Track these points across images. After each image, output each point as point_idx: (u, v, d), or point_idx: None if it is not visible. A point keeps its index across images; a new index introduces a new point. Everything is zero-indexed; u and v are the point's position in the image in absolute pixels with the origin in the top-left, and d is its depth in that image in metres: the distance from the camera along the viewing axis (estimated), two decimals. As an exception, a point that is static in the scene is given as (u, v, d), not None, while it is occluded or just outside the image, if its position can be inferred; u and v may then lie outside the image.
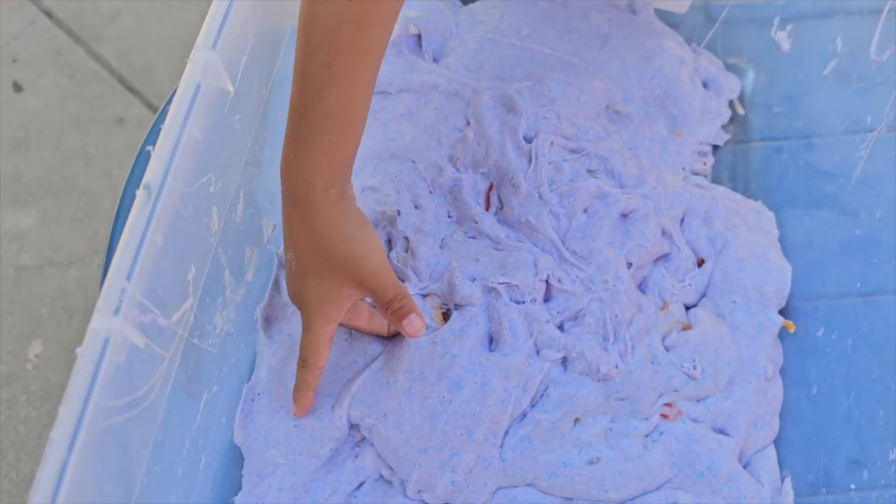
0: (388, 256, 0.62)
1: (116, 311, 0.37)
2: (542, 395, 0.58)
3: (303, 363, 0.54)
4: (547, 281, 0.60)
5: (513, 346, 0.58)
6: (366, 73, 0.49)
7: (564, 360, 0.59)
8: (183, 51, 1.13)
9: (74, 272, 1.06)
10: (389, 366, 0.58)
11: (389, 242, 0.62)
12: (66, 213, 1.07)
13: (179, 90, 0.42)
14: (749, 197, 0.70)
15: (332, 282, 0.52)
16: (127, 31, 1.17)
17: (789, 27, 0.70)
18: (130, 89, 1.13)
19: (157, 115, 0.71)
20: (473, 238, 0.64)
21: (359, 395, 0.57)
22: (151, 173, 0.39)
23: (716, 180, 0.72)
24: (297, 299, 0.53)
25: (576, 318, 0.61)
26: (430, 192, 0.64)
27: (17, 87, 1.08)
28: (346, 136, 0.50)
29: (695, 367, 0.60)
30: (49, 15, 1.17)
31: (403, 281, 0.60)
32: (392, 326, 0.57)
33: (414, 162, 0.64)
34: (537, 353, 0.59)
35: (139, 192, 0.39)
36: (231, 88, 0.45)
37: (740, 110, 0.74)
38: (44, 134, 1.09)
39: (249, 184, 0.51)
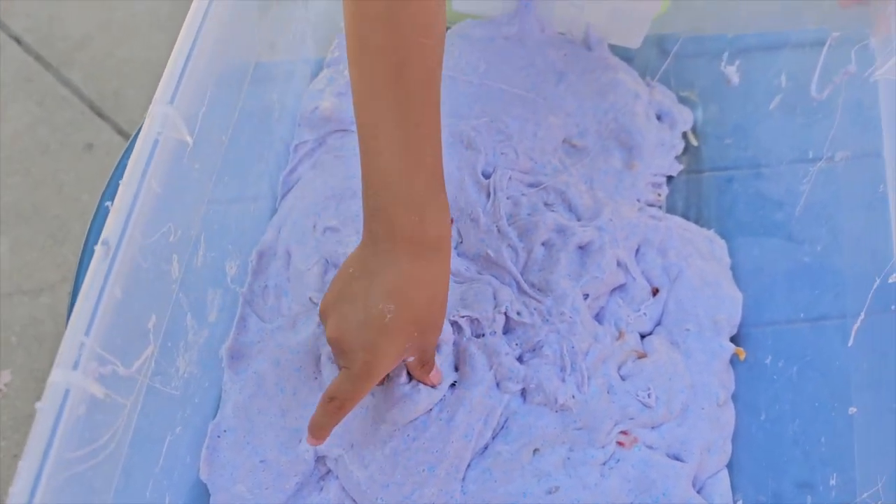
0: None
1: (75, 366, 0.38)
2: (503, 427, 0.60)
3: (342, 405, 0.52)
4: (506, 314, 0.62)
5: (473, 380, 0.59)
6: (440, 122, 0.52)
7: (524, 392, 0.61)
8: (153, 76, 1.11)
9: (45, 300, 1.06)
10: (362, 402, 0.59)
11: (351, 281, 0.63)
12: (36, 241, 1.07)
13: (138, 144, 0.43)
14: (702, 225, 0.73)
15: (415, 338, 0.52)
16: (97, 56, 1.18)
17: (737, 62, 0.72)
18: (100, 115, 1.13)
19: (127, 145, 0.72)
20: (434, 272, 0.65)
21: None
22: (110, 229, 0.41)
23: (670, 209, 0.74)
24: (369, 348, 0.50)
25: (534, 350, 0.63)
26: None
27: (-15, 114, 1.09)
28: (444, 187, 0.51)
29: (649, 395, 0.61)
30: (18, 41, 1.18)
31: None
32: (415, 376, 0.58)
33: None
34: (497, 385, 0.61)
35: (98, 248, 0.40)
36: (189, 139, 0.46)
37: (693, 141, 0.76)
38: (13, 160, 1.09)
39: (210, 227, 0.52)
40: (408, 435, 0.58)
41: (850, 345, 0.51)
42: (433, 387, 0.58)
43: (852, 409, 0.50)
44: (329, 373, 0.60)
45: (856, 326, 0.50)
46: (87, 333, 0.39)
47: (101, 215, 0.67)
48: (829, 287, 0.57)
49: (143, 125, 0.44)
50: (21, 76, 1.16)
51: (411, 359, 0.55)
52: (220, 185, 0.53)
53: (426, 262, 0.51)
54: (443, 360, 0.60)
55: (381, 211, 0.49)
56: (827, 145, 0.60)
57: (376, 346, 0.50)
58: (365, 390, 0.52)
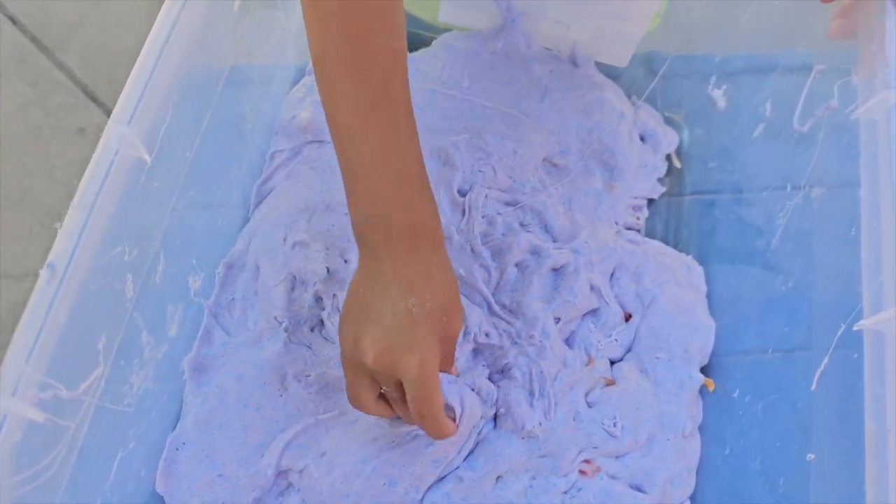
0: (320, 317, 0.63)
1: (14, 393, 0.38)
2: (471, 453, 0.59)
3: (430, 411, 0.50)
4: (474, 338, 0.62)
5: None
6: (413, 120, 0.52)
7: (496, 417, 0.60)
8: None
9: (30, 285, 1.04)
10: (346, 416, 0.59)
11: (320, 300, 0.63)
12: (24, 225, 1.06)
13: (91, 165, 0.42)
14: (681, 249, 0.72)
15: (444, 324, 0.51)
16: (93, 40, 1.16)
17: (724, 86, 0.71)
18: (94, 100, 1.12)
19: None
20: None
21: (295, 441, 0.58)
22: (56, 252, 0.40)
23: (650, 231, 0.73)
24: (413, 347, 0.49)
25: (502, 372, 0.62)
26: (362, 244, 0.65)
27: (-23, 95, 1.08)
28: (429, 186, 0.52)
29: (615, 425, 0.61)
30: (13, 21, 1.16)
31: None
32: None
33: (346, 214, 0.65)
34: None
35: (42, 272, 0.39)
36: (148, 158, 0.45)
37: (677, 164, 0.75)
38: (4, 143, 1.08)
39: (171, 243, 0.51)
40: (380, 447, 0.58)
41: (812, 389, 0.50)
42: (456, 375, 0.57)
43: (810, 456, 0.49)
44: (296, 391, 0.60)
45: (819, 371, 0.50)
46: (27, 360, 0.38)
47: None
48: (800, 322, 0.56)
49: (100, 143, 0.43)
50: (15, 57, 1.14)
51: None
52: (184, 198, 0.52)
53: (429, 252, 0.51)
54: None
55: (373, 217, 0.49)
56: (805, 178, 0.59)
57: (419, 342, 0.49)
58: (435, 386, 0.50)
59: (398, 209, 0.49)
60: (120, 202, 0.43)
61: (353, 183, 0.49)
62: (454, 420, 0.55)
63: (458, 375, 0.59)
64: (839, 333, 0.48)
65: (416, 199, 0.50)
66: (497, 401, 0.60)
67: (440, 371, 0.53)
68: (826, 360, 0.49)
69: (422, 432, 0.57)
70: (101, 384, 0.45)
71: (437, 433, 0.52)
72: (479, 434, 0.59)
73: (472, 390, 0.59)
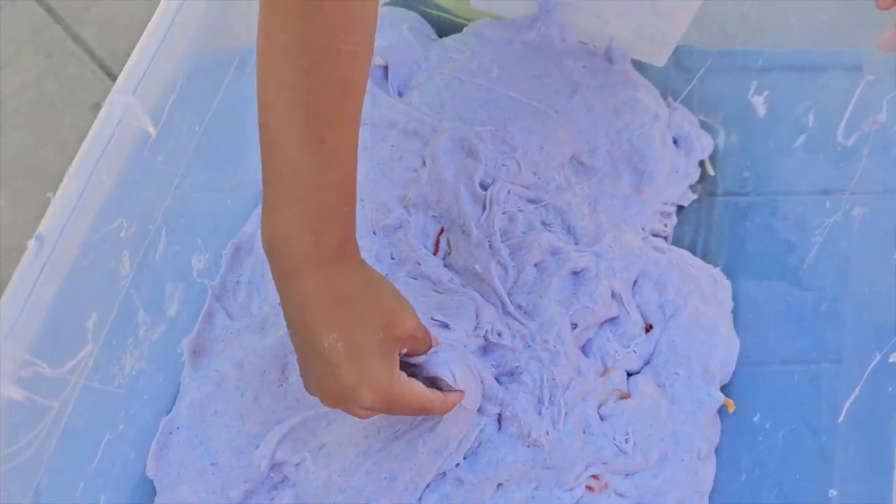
0: None
1: (-9, 368, 0.36)
2: (473, 453, 0.57)
3: (428, 411, 0.49)
4: (485, 336, 0.59)
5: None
6: (355, 137, 0.46)
7: (499, 418, 0.58)
8: None
9: None
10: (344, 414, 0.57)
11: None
12: (35, 197, 1.05)
13: (90, 134, 0.40)
14: (709, 261, 0.69)
15: (388, 329, 0.47)
16: (111, 14, 1.13)
17: (766, 92, 0.68)
18: (110, 74, 1.10)
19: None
20: (415, 279, 0.62)
21: (292, 434, 0.56)
22: (47, 223, 0.38)
23: (677, 239, 0.70)
24: (359, 382, 0.45)
25: (512, 375, 0.59)
26: (374, 233, 0.63)
27: (-6, 64, 1.06)
28: (354, 204, 0.45)
29: (627, 441, 0.58)
30: None
31: None
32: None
33: (362, 200, 0.63)
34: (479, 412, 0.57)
35: (30, 243, 0.37)
36: (153, 130, 0.43)
37: (710, 171, 0.72)
38: (18, 114, 1.07)
39: (174, 220, 0.49)
40: (383, 438, 0.56)
41: (840, 421, 0.47)
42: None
43: (833, 492, 0.46)
44: (296, 381, 0.58)
45: (848, 403, 0.47)
46: (7, 335, 0.36)
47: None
48: (830, 348, 0.53)
49: (101, 113, 0.41)
50: (31, 28, 1.12)
51: (404, 350, 0.50)
52: (191, 176, 0.50)
53: (335, 269, 0.45)
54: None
55: (287, 240, 0.43)
56: (846, 195, 0.55)
57: (357, 375, 0.45)
58: (402, 394, 0.47)
59: (305, 229, 0.43)
60: (120, 175, 0.41)
61: (268, 194, 0.43)
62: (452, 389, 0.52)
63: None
64: (873, 364, 0.45)
65: (327, 219, 0.44)
66: (502, 401, 0.57)
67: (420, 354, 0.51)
68: (857, 392, 0.46)
69: (422, 420, 0.55)
70: (90, 363, 0.43)
71: (441, 412, 0.49)
72: (480, 432, 0.57)
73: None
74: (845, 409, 0.47)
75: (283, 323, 0.58)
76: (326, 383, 0.45)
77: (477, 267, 0.62)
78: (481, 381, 0.57)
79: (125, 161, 0.42)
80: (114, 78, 1.09)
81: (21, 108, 1.07)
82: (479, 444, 0.57)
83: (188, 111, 0.47)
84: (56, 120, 1.07)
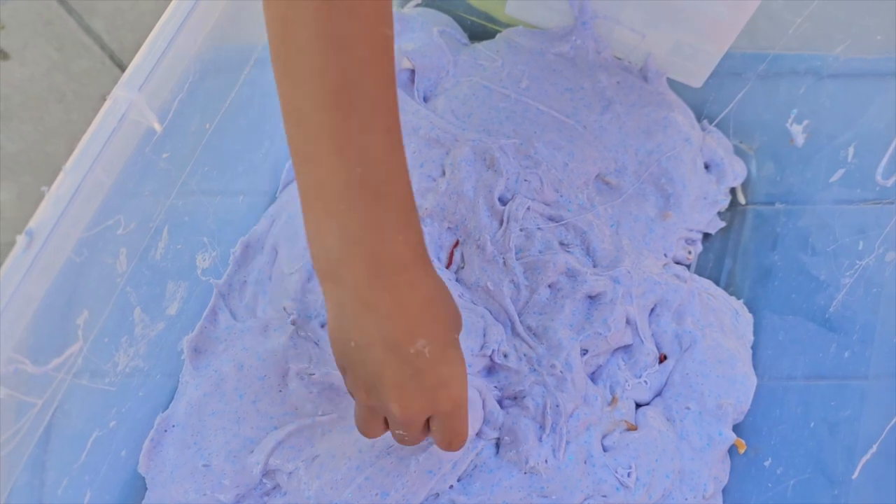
0: None
1: (-30, 365, 0.35)
2: (468, 475, 0.55)
3: (451, 445, 0.47)
4: (491, 357, 0.57)
5: None
6: (398, 126, 0.42)
7: (498, 443, 0.56)
8: None
9: None
10: (345, 421, 0.56)
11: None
12: (42, 190, 1.05)
13: (91, 128, 0.39)
14: (732, 292, 0.66)
15: (457, 342, 0.45)
16: (121, 5, 1.12)
17: (805, 122, 0.65)
18: (120, 67, 1.09)
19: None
20: (426, 293, 0.61)
21: (287, 442, 0.55)
22: (38, 218, 0.37)
23: (701, 267, 0.68)
24: (440, 386, 0.43)
25: (515, 398, 0.58)
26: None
27: (3, 55, 1.06)
28: (413, 202, 0.42)
29: (629, 475, 0.56)
30: None
31: None
32: None
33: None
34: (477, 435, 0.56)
35: (20, 238, 0.37)
36: (158, 127, 0.42)
37: (741, 199, 0.69)
38: (27, 107, 1.06)
39: (179, 219, 0.48)
40: (376, 453, 0.54)
41: (853, 477, 0.45)
42: None
43: (841, 553, 0.43)
44: (296, 388, 0.57)
45: (864, 460, 0.44)
46: (-11, 331, 0.35)
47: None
48: (850, 398, 0.51)
49: (103, 107, 0.40)
50: (42, 18, 1.11)
51: None
52: (198, 174, 0.49)
53: (410, 274, 0.42)
54: None
55: (354, 246, 0.40)
56: (881, 239, 0.53)
57: (443, 378, 0.43)
58: (466, 414, 0.46)
59: (384, 235, 0.40)
60: (120, 172, 0.40)
61: (316, 201, 0.41)
62: None
63: None
64: (892, 422, 0.42)
65: (405, 218, 0.42)
66: (502, 426, 0.56)
67: None
68: (874, 449, 0.44)
69: (423, 449, 0.54)
70: (79, 361, 0.43)
71: (453, 449, 0.48)
72: (477, 455, 0.55)
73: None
74: (860, 465, 0.45)
75: (287, 328, 0.57)
76: (405, 388, 0.43)
77: (489, 284, 0.60)
78: (483, 405, 0.56)
79: (127, 158, 0.41)
80: (123, 70, 1.08)
81: (30, 101, 1.06)
82: (475, 466, 0.55)
83: (198, 109, 0.46)
84: (65, 113, 1.07)
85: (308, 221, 0.41)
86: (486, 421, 0.56)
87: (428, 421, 0.46)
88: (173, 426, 0.56)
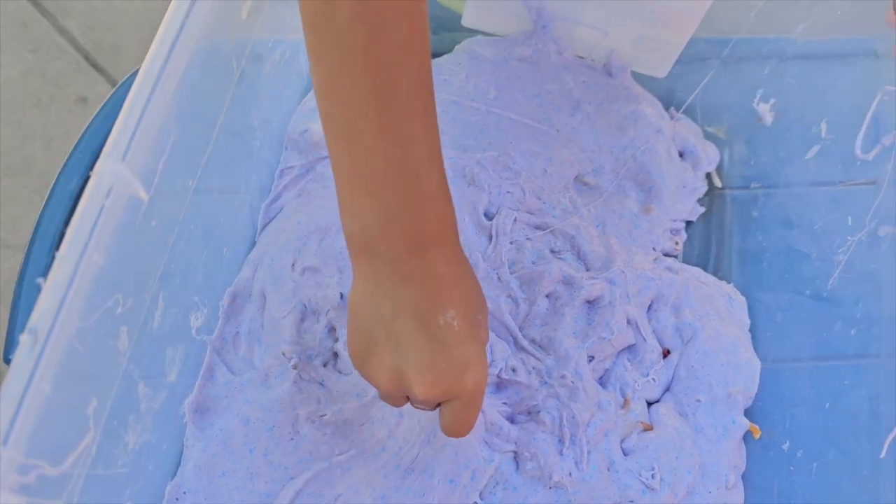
0: (333, 349, 0.57)
1: (-11, 482, 0.33)
2: (490, 492, 0.55)
3: (458, 432, 0.46)
4: (499, 374, 0.56)
5: None
6: (433, 103, 0.43)
7: (516, 456, 0.56)
8: (152, 30, 1.05)
9: None
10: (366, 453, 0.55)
11: (333, 331, 0.57)
12: (23, 195, 1.02)
13: (79, 209, 0.37)
14: (721, 276, 0.67)
15: (484, 324, 0.46)
16: (96, 5, 1.11)
17: (772, 100, 0.65)
18: (96, 67, 1.07)
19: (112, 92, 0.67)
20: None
21: (307, 489, 0.54)
22: (39, 313, 0.35)
23: (686, 255, 0.68)
24: (467, 367, 0.43)
25: (529, 413, 0.57)
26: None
27: (-22, 61, 1.03)
28: (444, 175, 0.44)
29: (653, 476, 0.56)
30: None
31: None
32: None
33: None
34: (486, 443, 0.55)
35: (23, 338, 0.34)
36: (145, 195, 0.40)
37: (718, 183, 0.69)
38: (3, 111, 1.04)
39: (171, 282, 0.46)
40: (398, 476, 0.54)
41: (882, 456, 0.45)
42: None
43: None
44: (309, 432, 0.55)
45: (891, 437, 0.45)
46: (5, 443, 0.33)
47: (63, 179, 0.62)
48: (863, 377, 0.51)
49: (89, 185, 0.37)
50: (17, 21, 1.09)
51: None
52: (186, 232, 0.47)
53: (456, 252, 0.45)
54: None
55: (388, 222, 0.41)
56: (870, 213, 0.53)
57: (470, 359, 0.43)
58: (482, 401, 0.46)
59: (422, 212, 0.42)
60: (112, 250, 0.38)
61: (355, 179, 0.41)
62: None
63: None
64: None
65: (442, 196, 0.43)
66: (518, 441, 0.55)
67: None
68: (900, 427, 0.44)
69: (428, 448, 0.54)
70: (93, 451, 0.40)
71: (458, 435, 0.47)
72: (497, 472, 0.55)
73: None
74: (887, 444, 0.45)
75: (290, 373, 0.56)
76: (433, 364, 0.42)
77: (487, 302, 0.59)
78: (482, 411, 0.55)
79: (118, 233, 0.38)
80: (100, 70, 1.06)
81: (6, 105, 1.04)
82: (497, 483, 0.55)
83: (182, 162, 0.44)
84: (42, 116, 1.04)
85: (344, 199, 0.42)
86: (493, 433, 0.55)
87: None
88: (184, 493, 0.54)
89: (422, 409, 0.47)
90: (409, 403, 0.47)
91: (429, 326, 0.42)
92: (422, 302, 0.42)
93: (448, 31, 0.70)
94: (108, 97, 0.66)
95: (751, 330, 0.63)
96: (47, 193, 0.62)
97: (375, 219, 0.41)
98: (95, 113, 0.65)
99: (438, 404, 0.46)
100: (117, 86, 0.68)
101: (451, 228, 0.44)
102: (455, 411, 0.45)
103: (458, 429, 0.46)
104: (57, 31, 1.09)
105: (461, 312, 0.43)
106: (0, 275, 1.01)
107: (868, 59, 0.57)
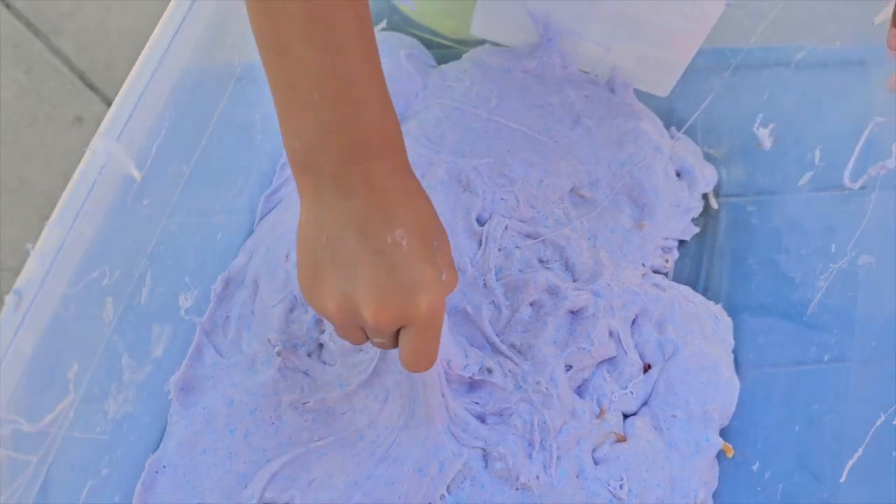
0: (319, 340, 0.59)
1: (-37, 431, 0.35)
2: (458, 488, 0.56)
3: (426, 362, 0.44)
4: (471, 377, 0.58)
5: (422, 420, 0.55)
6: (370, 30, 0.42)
7: (485, 454, 0.57)
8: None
9: None
10: (343, 440, 0.56)
11: (320, 322, 0.59)
12: (20, 215, 1.03)
13: (71, 182, 0.39)
14: (710, 296, 0.67)
15: (437, 249, 0.43)
16: (88, 24, 1.12)
17: (771, 125, 0.66)
18: (90, 86, 1.08)
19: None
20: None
21: (282, 472, 0.55)
22: (25, 276, 0.37)
23: (677, 272, 0.69)
24: (418, 287, 0.40)
25: (501, 415, 0.58)
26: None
27: (-28, 81, 1.05)
28: (388, 98, 0.42)
29: (622, 487, 0.57)
30: (7, 5, 1.12)
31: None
32: None
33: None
34: (453, 435, 0.56)
35: (8, 298, 0.36)
36: (138, 175, 0.42)
37: (714, 204, 0.70)
38: None
39: (161, 262, 0.48)
40: (373, 463, 0.55)
41: (841, 481, 0.46)
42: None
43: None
44: (290, 418, 0.57)
45: (851, 463, 0.45)
46: (-20, 396, 0.35)
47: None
48: (831, 404, 0.52)
49: (83, 159, 0.40)
50: (10, 43, 1.10)
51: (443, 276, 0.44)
52: (179, 215, 0.49)
53: (401, 168, 0.42)
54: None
55: (327, 135, 0.40)
56: (852, 242, 0.54)
57: (421, 279, 0.40)
58: (440, 328, 0.43)
59: (360, 121, 0.40)
60: (102, 223, 0.40)
61: (291, 95, 0.40)
62: None
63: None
64: (877, 424, 0.43)
65: (380, 105, 0.41)
66: (487, 440, 0.56)
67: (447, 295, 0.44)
68: (859, 452, 0.45)
69: (404, 437, 0.55)
70: (71, 414, 0.42)
71: (417, 369, 0.45)
72: (465, 467, 0.55)
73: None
74: (847, 468, 0.46)
75: (275, 360, 0.57)
76: (380, 285, 0.40)
77: (468, 308, 0.60)
78: (456, 415, 0.56)
79: (108, 209, 0.40)
80: (95, 89, 1.07)
81: (2, 125, 1.05)
82: (465, 478, 0.56)
83: (177, 147, 0.46)
84: (38, 136, 1.06)
85: (283, 117, 0.41)
86: (463, 428, 0.56)
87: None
88: (164, 467, 0.56)
89: (381, 344, 0.44)
90: (369, 342, 0.45)
91: (375, 244, 0.40)
92: (366, 218, 0.40)
93: (457, 43, 0.72)
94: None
95: (734, 351, 0.64)
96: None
97: (315, 132, 0.40)
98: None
99: (398, 339, 0.44)
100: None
101: (394, 140, 0.42)
102: (411, 338, 0.42)
103: (416, 359, 0.43)
104: (50, 51, 1.09)
105: (411, 231, 0.40)
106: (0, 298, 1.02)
107: (863, 89, 0.58)
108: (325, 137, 0.40)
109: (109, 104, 1.08)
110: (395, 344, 0.44)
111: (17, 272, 1.00)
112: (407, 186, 0.42)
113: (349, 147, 0.40)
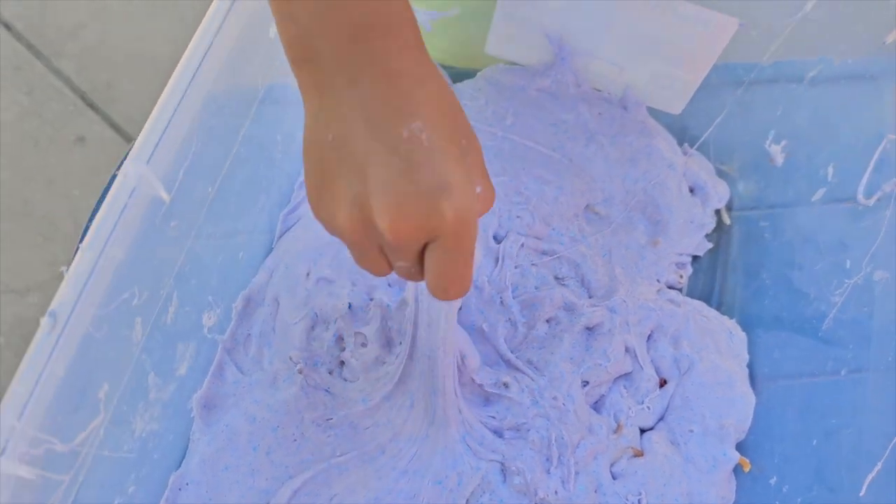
0: (340, 358, 0.60)
1: (2, 452, 0.35)
2: (477, 500, 0.56)
3: (448, 291, 0.37)
4: (484, 386, 0.58)
5: (442, 429, 0.56)
6: None
7: (503, 468, 0.57)
8: (147, 68, 1.06)
9: (33, 299, 1.02)
10: (365, 454, 0.57)
11: (340, 340, 0.60)
12: (24, 237, 1.03)
13: (104, 206, 0.40)
14: (724, 311, 0.68)
15: (465, 148, 0.36)
16: (90, 45, 1.12)
17: (784, 142, 0.67)
18: (92, 107, 1.08)
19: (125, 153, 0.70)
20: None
21: (304, 489, 0.56)
22: (60, 299, 0.38)
23: (691, 287, 0.70)
24: (442, 189, 0.33)
25: (517, 430, 0.58)
26: (389, 285, 0.62)
27: (-26, 104, 1.05)
28: None
29: (640, 501, 0.57)
30: (8, 27, 1.13)
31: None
32: None
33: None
34: (469, 447, 0.57)
35: (43, 321, 0.37)
36: (166, 197, 0.43)
37: (727, 220, 0.71)
38: (2, 154, 1.05)
39: (186, 283, 0.49)
40: (394, 477, 0.56)
41: (861, 495, 0.46)
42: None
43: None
44: (313, 434, 0.57)
45: (870, 477, 0.46)
46: (20, 417, 0.36)
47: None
48: (848, 418, 0.52)
49: (115, 183, 0.40)
50: (11, 65, 1.10)
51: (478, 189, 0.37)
52: (204, 234, 0.50)
53: (417, 52, 0.35)
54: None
55: (328, 14, 0.34)
56: (867, 258, 0.54)
57: (445, 178, 0.33)
58: (474, 240, 0.36)
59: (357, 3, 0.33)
60: (132, 246, 0.41)
61: None
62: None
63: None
64: (892, 444, 0.44)
65: None
66: (505, 454, 0.57)
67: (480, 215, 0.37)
68: (879, 466, 0.45)
69: (424, 448, 0.55)
70: (101, 433, 0.43)
71: (449, 296, 0.37)
72: (483, 480, 0.56)
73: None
74: (866, 483, 0.46)
75: (296, 378, 0.58)
76: (397, 189, 0.33)
77: (484, 326, 0.61)
78: (472, 427, 0.56)
79: (138, 231, 0.41)
80: (96, 110, 1.08)
81: (3, 148, 1.05)
82: (484, 492, 0.56)
83: (204, 168, 0.47)
84: (41, 157, 1.06)
85: (276, 6, 0.35)
86: (479, 441, 0.56)
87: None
88: (187, 484, 0.56)
89: (406, 271, 0.38)
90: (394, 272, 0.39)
91: (388, 139, 0.33)
92: (376, 107, 0.34)
93: (471, 63, 0.73)
94: (111, 138, 0.68)
95: (749, 365, 0.65)
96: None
97: (312, 13, 0.34)
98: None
99: (422, 259, 0.37)
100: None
101: (405, 16, 0.35)
102: (437, 256, 0.35)
103: (444, 283, 0.36)
104: (52, 72, 1.09)
105: (432, 123, 0.34)
106: (4, 319, 0.99)
107: (876, 105, 0.59)
108: (323, 15, 0.34)
109: (111, 124, 1.08)
110: (422, 272, 0.37)
111: (22, 295, 1.01)
112: (424, 68, 0.35)
113: (351, 23, 0.33)
